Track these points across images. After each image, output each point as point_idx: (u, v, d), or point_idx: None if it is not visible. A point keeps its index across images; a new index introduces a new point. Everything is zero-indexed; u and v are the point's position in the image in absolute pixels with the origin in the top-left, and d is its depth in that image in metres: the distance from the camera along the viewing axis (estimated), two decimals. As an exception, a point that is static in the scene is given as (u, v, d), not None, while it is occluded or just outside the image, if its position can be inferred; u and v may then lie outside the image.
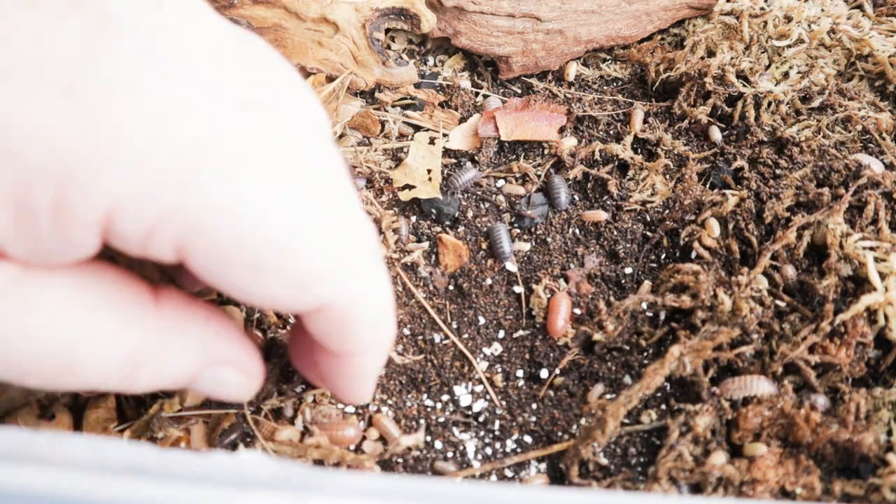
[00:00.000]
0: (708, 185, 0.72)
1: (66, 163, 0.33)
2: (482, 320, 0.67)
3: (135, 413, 0.62)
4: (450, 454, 0.62)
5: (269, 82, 0.40)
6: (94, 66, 0.33)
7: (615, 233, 0.70)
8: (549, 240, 0.71)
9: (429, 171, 0.72)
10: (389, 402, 0.64)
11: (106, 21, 0.34)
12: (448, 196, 0.72)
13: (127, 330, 0.40)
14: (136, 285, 0.42)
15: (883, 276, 0.59)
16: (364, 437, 0.61)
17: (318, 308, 0.41)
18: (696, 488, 0.55)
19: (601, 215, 0.71)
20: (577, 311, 0.67)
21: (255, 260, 0.37)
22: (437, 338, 0.66)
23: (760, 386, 0.57)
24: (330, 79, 0.76)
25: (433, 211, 0.71)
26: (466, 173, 0.72)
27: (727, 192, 0.69)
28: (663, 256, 0.70)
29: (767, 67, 0.77)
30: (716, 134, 0.74)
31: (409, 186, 0.72)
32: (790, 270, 0.62)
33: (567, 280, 0.68)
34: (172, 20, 0.37)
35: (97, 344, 0.39)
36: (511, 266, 0.69)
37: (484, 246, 0.70)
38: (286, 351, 0.60)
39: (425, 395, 0.64)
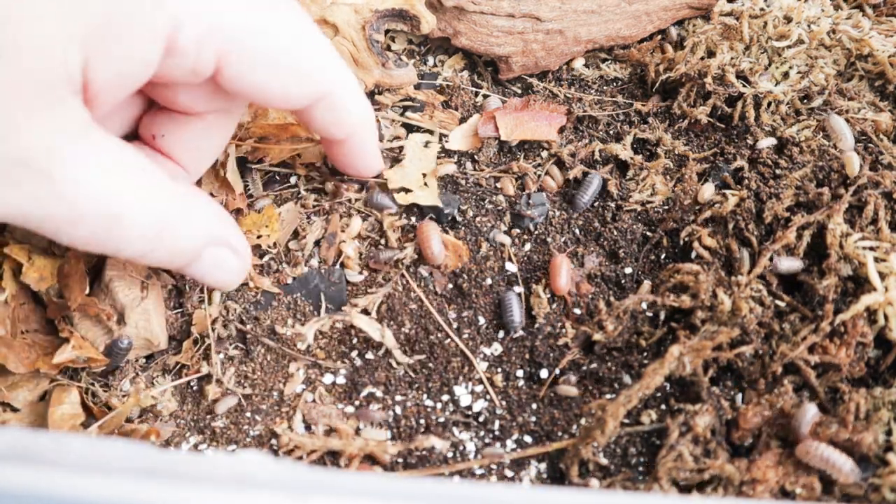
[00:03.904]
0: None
1: None
2: (482, 320, 0.67)
3: (101, 411, 0.62)
4: (450, 454, 0.62)
5: None
6: None
7: (615, 233, 0.70)
8: (549, 240, 0.71)
9: (424, 175, 0.72)
10: (390, 401, 0.64)
11: None
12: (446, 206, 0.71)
13: (156, 198, 0.50)
14: (160, 165, 0.54)
15: (883, 276, 0.59)
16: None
17: (319, 96, 0.57)
18: (697, 488, 0.56)
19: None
20: (578, 311, 0.67)
21: (275, 61, 0.54)
22: (437, 338, 0.66)
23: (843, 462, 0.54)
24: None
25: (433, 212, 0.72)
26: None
27: (727, 192, 0.69)
28: (663, 256, 0.70)
29: (767, 67, 0.77)
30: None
31: (405, 189, 0.72)
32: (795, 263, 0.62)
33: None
34: None
35: (137, 200, 0.49)
36: (511, 266, 0.69)
37: (484, 247, 0.70)
38: None
39: (425, 395, 0.64)
